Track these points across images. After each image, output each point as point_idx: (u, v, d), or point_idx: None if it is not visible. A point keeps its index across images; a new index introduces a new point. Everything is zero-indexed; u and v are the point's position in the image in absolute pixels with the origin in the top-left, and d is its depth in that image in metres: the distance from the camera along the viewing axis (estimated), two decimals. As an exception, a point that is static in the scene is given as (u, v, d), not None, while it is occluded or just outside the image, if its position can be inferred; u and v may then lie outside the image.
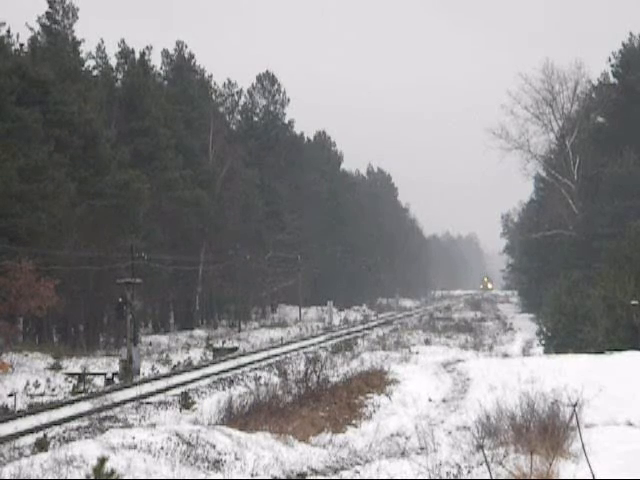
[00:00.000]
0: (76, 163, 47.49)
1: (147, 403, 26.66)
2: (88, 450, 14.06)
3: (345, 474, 15.14)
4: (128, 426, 21.02)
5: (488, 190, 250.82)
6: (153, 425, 19.93)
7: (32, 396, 28.49)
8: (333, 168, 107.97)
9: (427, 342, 48.98)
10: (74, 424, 22.65)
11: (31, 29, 55.49)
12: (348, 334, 58.23)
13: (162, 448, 15.01)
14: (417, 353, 39.77)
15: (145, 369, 36.53)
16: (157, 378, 33.24)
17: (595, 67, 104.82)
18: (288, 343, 51.17)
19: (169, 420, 22.60)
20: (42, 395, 28.90)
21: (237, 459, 15.24)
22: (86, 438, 18.16)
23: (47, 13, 55.81)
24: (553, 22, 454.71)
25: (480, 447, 12.11)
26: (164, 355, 42.73)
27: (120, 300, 37.06)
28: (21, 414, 24.06)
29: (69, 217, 44.92)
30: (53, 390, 30.21)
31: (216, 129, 70.50)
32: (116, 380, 32.94)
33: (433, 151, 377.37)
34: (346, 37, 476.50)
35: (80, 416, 23.86)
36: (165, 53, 73.89)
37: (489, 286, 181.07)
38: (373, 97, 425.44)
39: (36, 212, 41.94)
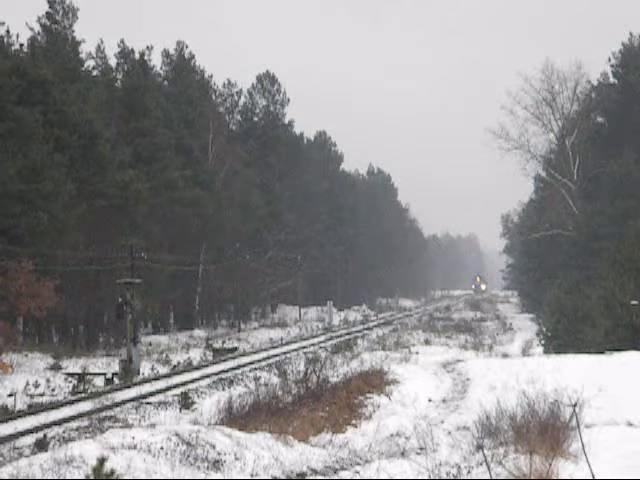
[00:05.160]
0: (76, 163, 47.49)
1: (147, 403, 26.66)
2: (88, 450, 14.05)
3: (345, 474, 15.12)
4: (128, 426, 21.01)
5: (488, 190, 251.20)
6: (153, 425, 19.93)
7: (32, 396, 28.47)
8: (333, 168, 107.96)
9: (427, 342, 48.96)
10: (74, 424, 22.64)
11: (31, 29, 55.63)
12: (348, 334, 58.23)
13: (162, 448, 15.00)
14: (417, 353, 39.75)
15: (145, 369, 36.53)
16: (157, 378, 33.23)
17: (595, 67, 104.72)
18: (288, 343, 51.16)
19: (169, 420, 22.59)
20: (42, 395, 28.87)
21: (237, 459, 15.23)
22: (86, 438, 18.14)
23: (47, 13, 55.84)
24: (553, 22, 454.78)
25: (480, 447, 12.11)
26: (164, 355, 42.72)
27: (120, 300, 37.07)
28: (21, 414, 24.03)
29: (69, 217, 44.90)
30: (53, 390, 30.20)
31: (216, 129, 70.49)
32: (116, 380, 32.92)
33: (433, 151, 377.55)
34: (347, 37, 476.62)
35: (80, 416, 23.85)
36: (165, 53, 73.90)
37: (482, 287, 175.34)
38: (373, 97, 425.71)
39: (36, 212, 41.93)
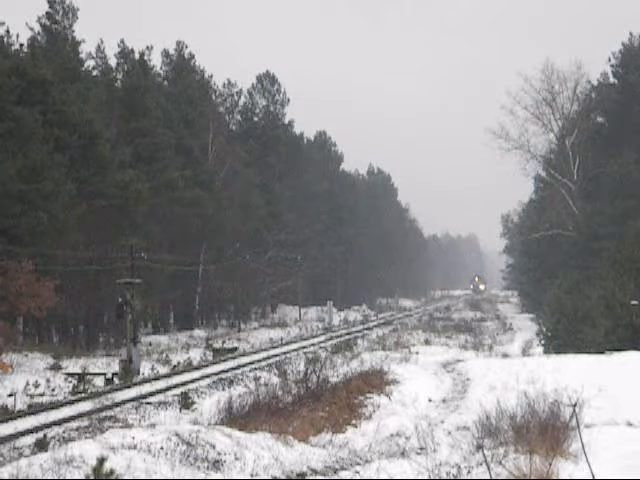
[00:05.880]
0: (76, 163, 47.49)
1: (147, 403, 26.65)
2: (88, 450, 14.04)
3: (345, 474, 15.11)
4: (128, 426, 21.01)
5: (488, 190, 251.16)
6: (153, 425, 19.92)
7: (32, 396, 28.46)
8: (333, 168, 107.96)
9: (427, 342, 48.97)
10: (74, 424, 22.63)
11: (31, 29, 55.59)
12: (348, 334, 58.23)
13: (162, 448, 14.99)
14: (417, 353, 39.75)
15: (145, 369, 36.53)
16: (157, 378, 33.23)
17: (595, 67, 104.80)
18: (288, 343, 51.16)
19: (169, 420, 22.59)
20: (42, 395, 28.87)
21: (237, 459, 15.22)
22: (86, 438, 18.14)
23: (47, 13, 55.82)
24: (553, 22, 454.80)
25: (480, 447, 12.11)
26: (164, 355, 42.71)
27: (120, 300, 37.06)
28: (21, 414, 24.03)
29: (69, 217, 44.90)
30: (53, 390, 30.19)
31: (216, 129, 70.47)
32: (116, 380, 32.92)
33: (433, 151, 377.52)
34: (347, 37, 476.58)
35: (80, 416, 23.85)
36: (165, 53, 73.90)
37: (481, 287, 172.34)
38: (373, 97, 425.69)
39: (36, 212, 41.93)
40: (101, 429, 21.16)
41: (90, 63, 61.21)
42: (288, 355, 41.73)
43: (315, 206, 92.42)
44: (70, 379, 32.23)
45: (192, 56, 74.13)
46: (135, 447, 14.81)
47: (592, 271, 46.75)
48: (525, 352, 42.49)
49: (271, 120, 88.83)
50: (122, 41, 64.21)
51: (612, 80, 65.46)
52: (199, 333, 59.54)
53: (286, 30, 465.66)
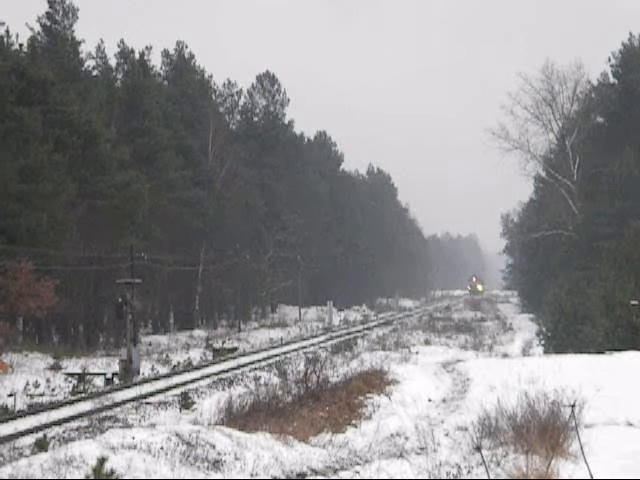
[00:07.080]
0: (76, 163, 47.48)
1: (147, 403, 26.67)
2: (88, 450, 14.03)
3: (345, 474, 15.10)
4: (128, 426, 21.02)
5: (488, 190, 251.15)
6: (153, 425, 19.91)
7: (32, 396, 28.47)
8: (333, 168, 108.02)
9: (427, 342, 48.99)
10: (74, 424, 22.64)
11: (31, 29, 55.56)
12: (348, 334, 58.25)
13: (162, 448, 14.97)
14: (417, 353, 39.77)
15: (145, 369, 36.54)
16: (157, 378, 33.25)
17: (595, 67, 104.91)
18: (288, 343, 51.17)
19: (169, 420, 22.60)
20: (42, 395, 28.87)
21: (237, 459, 15.21)
22: (86, 438, 18.14)
23: (47, 13, 55.86)
24: (553, 22, 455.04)
25: (478, 448, 12.10)
26: (164, 355, 42.73)
27: (120, 300, 37.07)
28: (21, 414, 24.05)
29: (69, 217, 44.92)
30: (53, 390, 30.19)
31: (216, 129, 70.49)
32: (116, 380, 32.94)
33: (433, 151, 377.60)
34: (347, 36, 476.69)
35: (80, 416, 23.86)
36: (165, 53, 73.99)
37: (479, 287, 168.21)
38: (374, 97, 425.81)
39: (36, 212, 41.93)
40: (101, 429, 21.16)
41: (90, 63, 61.36)
42: (288, 355, 41.74)
43: (315, 206, 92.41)
44: (70, 379, 32.24)
45: (192, 56, 74.26)
46: (135, 447, 14.80)
47: (592, 271, 46.72)
48: (525, 352, 42.49)
49: (271, 120, 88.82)
50: (122, 41, 64.31)
51: (612, 80, 65.48)
52: (199, 333, 59.54)
53: (286, 30, 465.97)
